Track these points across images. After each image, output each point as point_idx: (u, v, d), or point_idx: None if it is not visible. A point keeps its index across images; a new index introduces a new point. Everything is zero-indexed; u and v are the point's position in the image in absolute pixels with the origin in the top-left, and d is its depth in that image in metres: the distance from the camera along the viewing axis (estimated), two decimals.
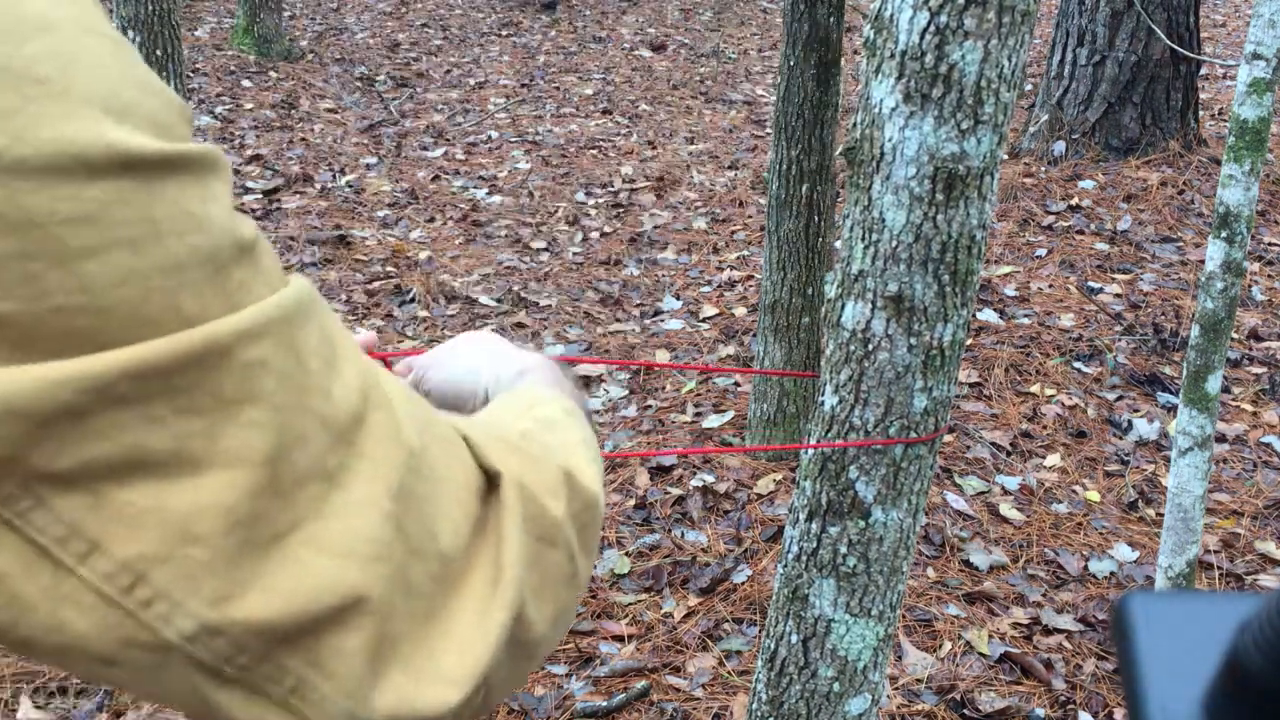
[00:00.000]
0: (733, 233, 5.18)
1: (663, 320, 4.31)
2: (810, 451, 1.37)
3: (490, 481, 0.54)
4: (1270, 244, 4.97)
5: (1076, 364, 3.90)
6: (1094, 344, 4.02)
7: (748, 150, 6.41)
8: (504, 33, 9.29)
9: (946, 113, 1.15)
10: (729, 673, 2.52)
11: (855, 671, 1.42)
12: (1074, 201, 5.32)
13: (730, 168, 6.08)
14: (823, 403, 1.33)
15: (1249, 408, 3.67)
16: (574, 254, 4.95)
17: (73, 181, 0.39)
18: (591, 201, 5.58)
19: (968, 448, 3.39)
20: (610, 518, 3.08)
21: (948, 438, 3.40)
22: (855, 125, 1.23)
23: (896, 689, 2.46)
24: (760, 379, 3.37)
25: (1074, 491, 3.22)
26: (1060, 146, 5.77)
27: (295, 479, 0.44)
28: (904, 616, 2.68)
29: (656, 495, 3.15)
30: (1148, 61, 5.61)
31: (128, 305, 0.40)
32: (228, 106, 6.79)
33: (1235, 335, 4.10)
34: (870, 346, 1.26)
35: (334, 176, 5.78)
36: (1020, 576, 2.85)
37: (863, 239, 1.24)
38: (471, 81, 7.78)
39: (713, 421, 3.55)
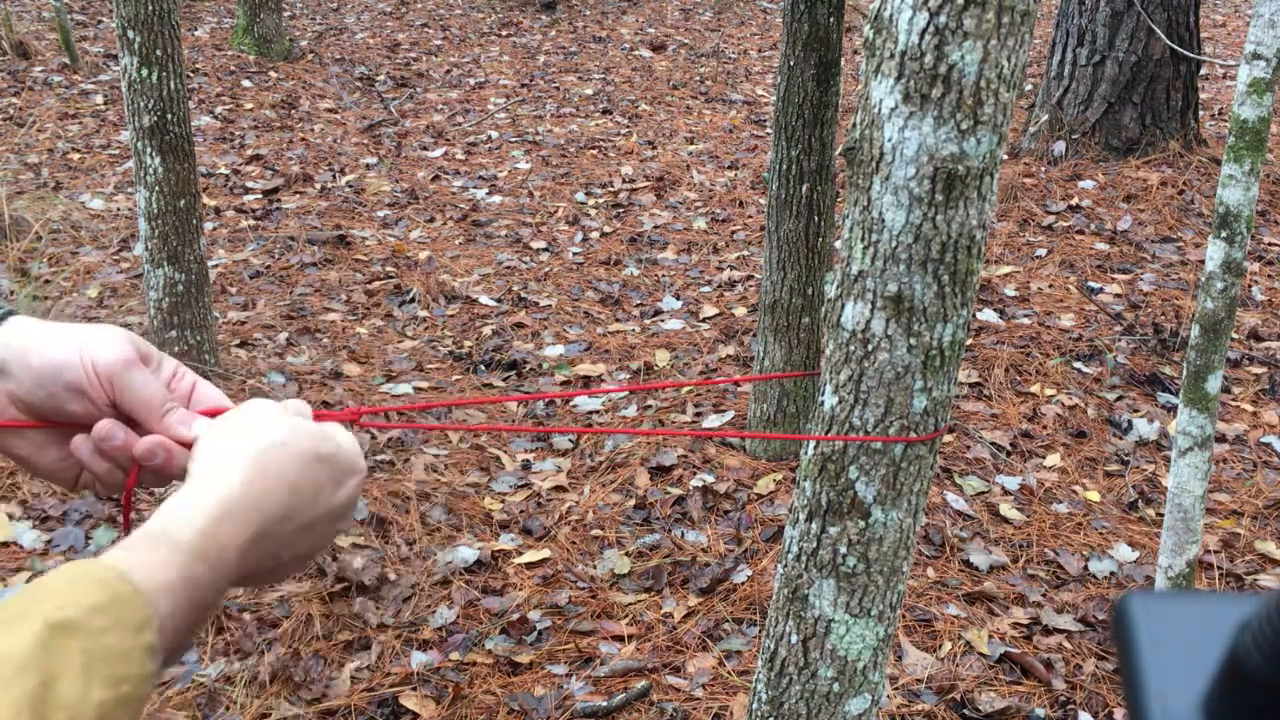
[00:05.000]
0: (733, 233, 5.18)
1: (663, 320, 4.31)
2: (810, 452, 1.37)
3: None
4: (1270, 244, 4.97)
5: (1076, 364, 3.90)
6: (1094, 344, 4.02)
7: (748, 150, 6.41)
8: (504, 33, 9.29)
9: (946, 113, 1.15)
10: (729, 673, 2.52)
11: (855, 671, 1.42)
12: (1074, 201, 5.32)
13: (730, 168, 6.08)
14: (823, 403, 1.33)
15: (1249, 408, 3.67)
16: (574, 254, 4.95)
17: None
18: (591, 201, 5.58)
19: (968, 448, 3.39)
20: (610, 517, 3.08)
21: (948, 438, 3.40)
22: (855, 125, 1.23)
23: (896, 689, 2.46)
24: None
25: (1074, 491, 3.22)
26: (1060, 146, 5.78)
27: None
28: (904, 616, 2.68)
29: (656, 495, 3.15)
30: (1148, 61, 5.62)
31: None
32: (228, 106, 6.79)
33: (1235, 335, 4.10)
34: (870, 347, 1.26)
35: (334, 176, 5.77)
36: (1020, 576, 2.85)
37: (862, 239, 1.24)
38: (471, 81, 7.78)
39: (713, 422, 3.55)
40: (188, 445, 0.75)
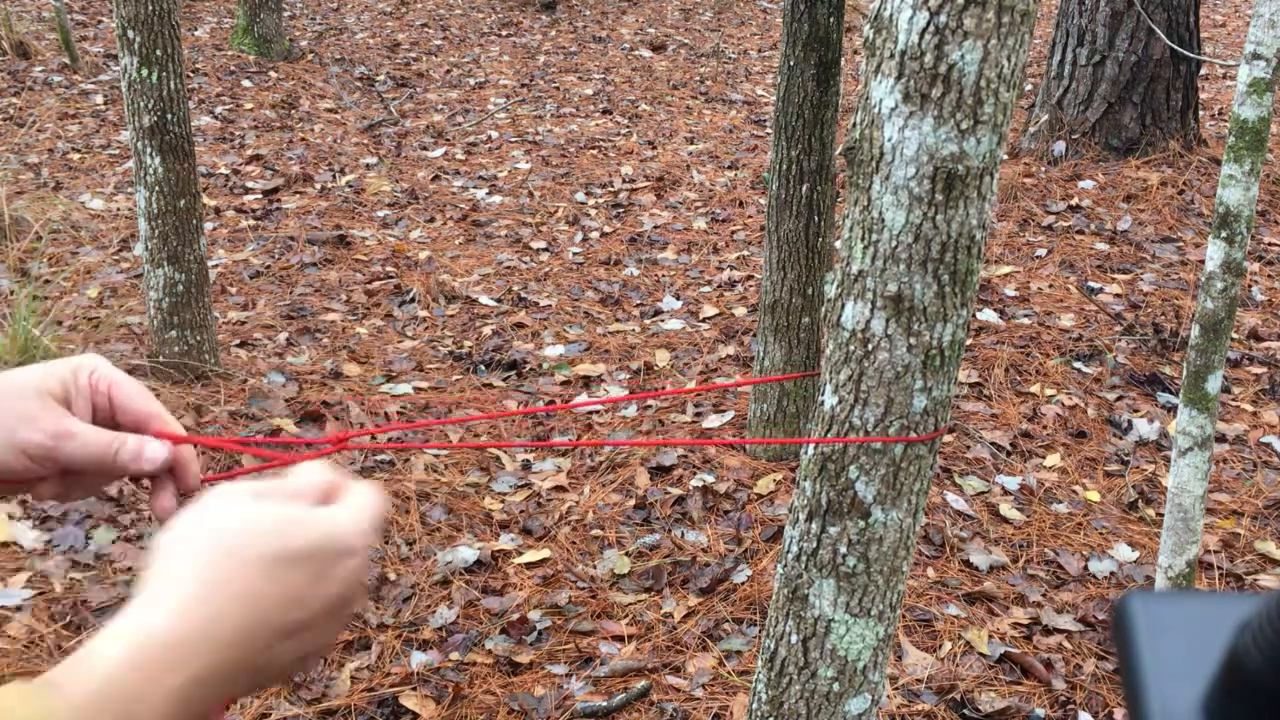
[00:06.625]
0: (733, 233, 5.18)
1: (663, 320, 4.31)
2: (810, 451, 1.37)
3: None
4: (1270, 244, 4.97)
5: (1076, 364, 3.90)
6: (1094, 344, 4.02)
7: (748, 150, 6.41)
8: (504, 33, 9.29)
9: (946, 113, 1.15)
10: (729, 673, 2.52)
11: (855, 671, 1.42)
12: (1074, 201, 5.32)
13: (730, 168, 6.08)
14: (823, 402, 1.33)
15: (1249, 408, 3.67)
16: (574, 254, 4.95)
17: None
18: (591, 201, 5.58)
19: (968, 448, 3.39)
20: (610, 518, 3.08)
21: (948, 438, 3.40)
22: (855, 125, 1.23)
23: (896, 689, 2.46)
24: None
25: (1074, 491, 3.22)
26: (1060, 146, 5.77)
27: None
28: (904, 616, 2.68)
29: (656, 495, 3.15)
30: (1148, 61, 5.61)
31: None
32: (228, 106, 6.79)
33: (1235, 335, 4.10)
34: (870, 346, 1.26)
35: (334, 176, 5.77)
36: (1020, 576, 2.85)
37: (862, 239, 1.24)
38: (471, 81, 7.78)
39: (713, 421, 3.55)
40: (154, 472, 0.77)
